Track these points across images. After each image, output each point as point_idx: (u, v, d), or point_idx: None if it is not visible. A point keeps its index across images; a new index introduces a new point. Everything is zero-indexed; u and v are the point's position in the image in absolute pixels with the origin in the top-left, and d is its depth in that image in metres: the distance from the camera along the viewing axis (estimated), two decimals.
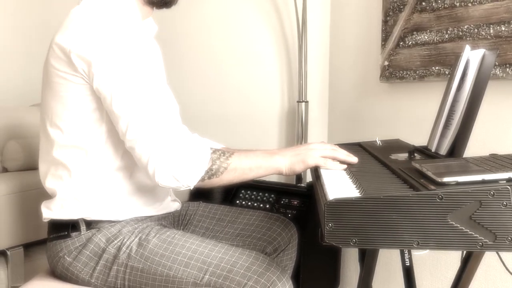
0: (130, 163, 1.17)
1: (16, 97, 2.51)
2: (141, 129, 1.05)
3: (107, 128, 1.14)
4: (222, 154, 1.11)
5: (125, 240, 1.15)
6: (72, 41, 1.08)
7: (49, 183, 1.19)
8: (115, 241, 1.15)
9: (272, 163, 1.14)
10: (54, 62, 1.12)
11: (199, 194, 1.33)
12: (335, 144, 1.25)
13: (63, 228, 1.17)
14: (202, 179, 1.08)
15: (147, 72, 1.08)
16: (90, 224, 1.16)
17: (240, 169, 1.11)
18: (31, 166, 1.88)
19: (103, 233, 1.16)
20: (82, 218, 1.16)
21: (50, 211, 1.19)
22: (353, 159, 1.11)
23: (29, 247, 1.82)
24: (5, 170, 1.95)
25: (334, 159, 1.12)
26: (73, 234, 1.16)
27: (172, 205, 1.34)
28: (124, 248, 1.13)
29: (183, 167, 1.04)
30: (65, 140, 1.15)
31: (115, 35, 1.07)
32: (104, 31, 1.06)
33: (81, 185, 1.16)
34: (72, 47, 1.07)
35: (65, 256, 1.16)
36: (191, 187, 1.09)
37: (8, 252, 1.74)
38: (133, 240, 1.14)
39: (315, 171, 1.12)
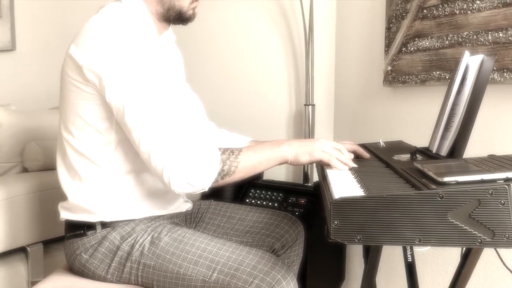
0: (140, 169, 1.19)
1: (35, 100, 2.51)
2: (153, 141, 1.06)
3: (117, 137, 1.16)
4: (231, 154, 1.11)
5: (138, 238, 1.17)
6: (84, 56, 1.10)
7: (64, 185, 1.22)
8: (129, 239, 1.17)
9: (279, 152, 1.14)
10: (68, 71, 1.15)
11: (210, 193, 1.35)
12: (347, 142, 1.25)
13: (79, 227, 1.20)
14: (216, 181, 1.09)
15: (156, 84, 1.09)
16: (105, 224, 1.19)
17: (250, 166, 1.12)
18: (50, 167, 1.88)
19: (118, 231, 1.19)
20: (97, 221, 1.19)
21: (66, 212, 1.22)
22: (351, 165, 1.10)
23: (48, 243, 1.84)
24: (26, 170, 1.97)
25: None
26: (89, 232, 1.19)
27: (184, 205, 1.36)
28: (137, 246, 1.16)
29: (196, 173, 1.05)
30: (76, 145, 1.18)
31: (126, 50, 1.08)
32: (115, 46, 1.08)
33: (92, 190, 1.19)
34: (84, 61, 1.10)
35: (82, 253, 1.19)
36: (206, 190, 1.10)
37: (28, 249, 1.76)
38: (146, 238, 1.17)
39: (322, 171, 1.13)
